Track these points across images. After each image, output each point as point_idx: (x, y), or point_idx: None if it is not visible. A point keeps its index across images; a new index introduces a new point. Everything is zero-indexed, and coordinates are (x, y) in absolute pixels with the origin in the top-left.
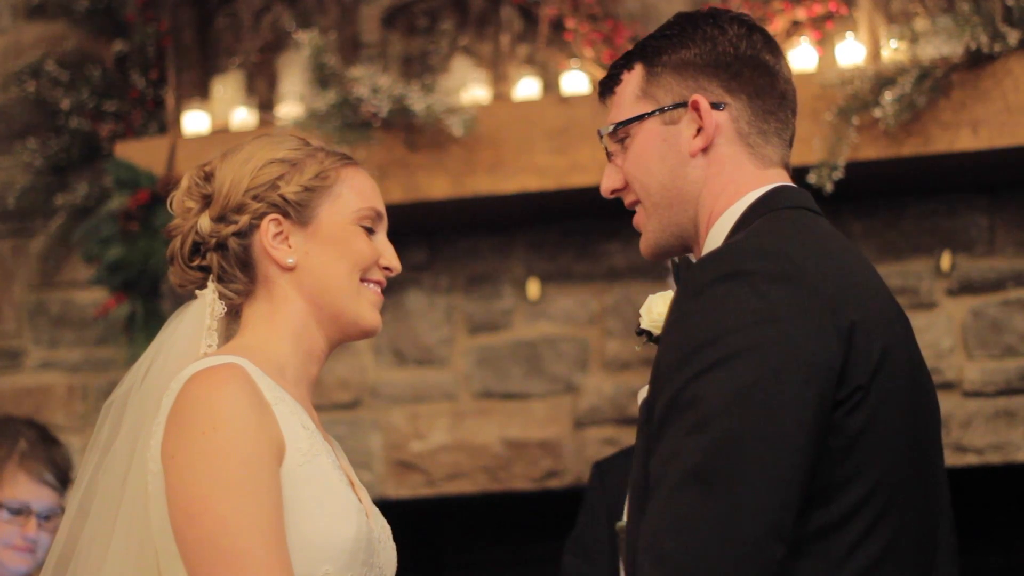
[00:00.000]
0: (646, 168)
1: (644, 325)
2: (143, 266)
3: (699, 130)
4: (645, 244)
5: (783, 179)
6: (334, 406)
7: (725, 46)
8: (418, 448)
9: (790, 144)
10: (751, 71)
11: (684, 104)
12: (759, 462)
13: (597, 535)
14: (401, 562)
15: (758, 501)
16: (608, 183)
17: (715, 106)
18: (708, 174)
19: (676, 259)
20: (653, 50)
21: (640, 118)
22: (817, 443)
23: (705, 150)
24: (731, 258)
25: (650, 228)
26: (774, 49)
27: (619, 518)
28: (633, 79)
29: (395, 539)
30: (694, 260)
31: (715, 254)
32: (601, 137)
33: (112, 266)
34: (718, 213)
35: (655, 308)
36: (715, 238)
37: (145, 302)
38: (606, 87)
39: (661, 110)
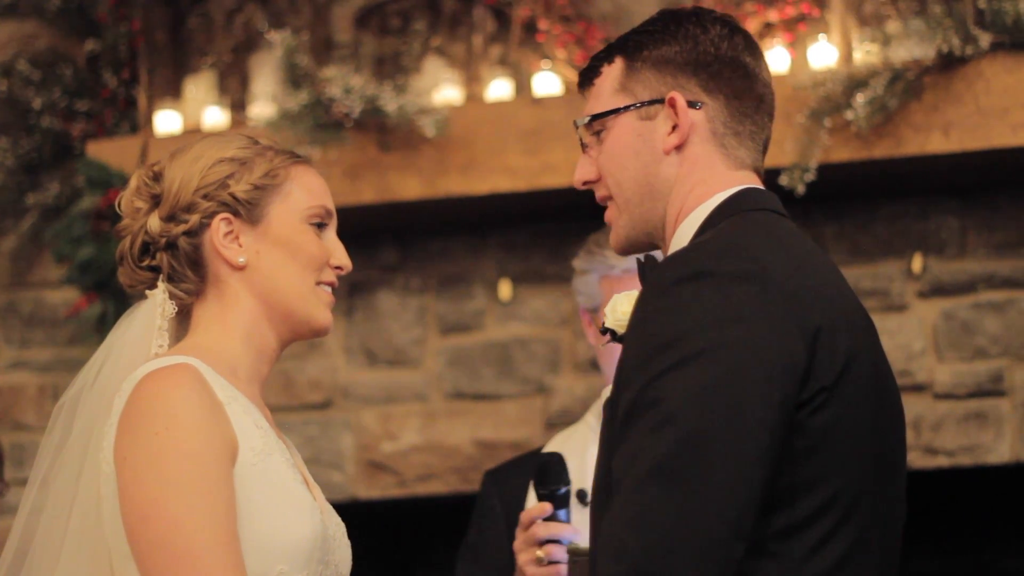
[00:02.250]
0: (620, 162)
1: (608, 324)
2: (114, 266)
3: (674, 127)
4: (615, 239)
5: (753, 182)
6: (305, 407)
7: (706, 45)
8: (389, 449)
9: (764, 148)
10: (730, 72)
11: (661, 100)
12: (721, 460)
13: (497, 543)
14: (372, 563)
15: (719, 499)
16: (581, 174)
17: (692, 104)
18: (680, 172)
19: (642, 258)
20: (634, 44)
21: (616, 111)
22: (780, 443)
23: (679, 148)
24: (696, 258)
25: (621, 223)
26: (755, 52)
27: (515, 527)
28: (612, 72)
29: (366, 540)
30: (660, 259)
31: (680, 254)
32: (577, 127)
33: (83, 266)
34: (686, 212)
35: (620, 307)
36: (681, 237)
37: (116, 302)
38: (585, 78)
39: (637, 105)
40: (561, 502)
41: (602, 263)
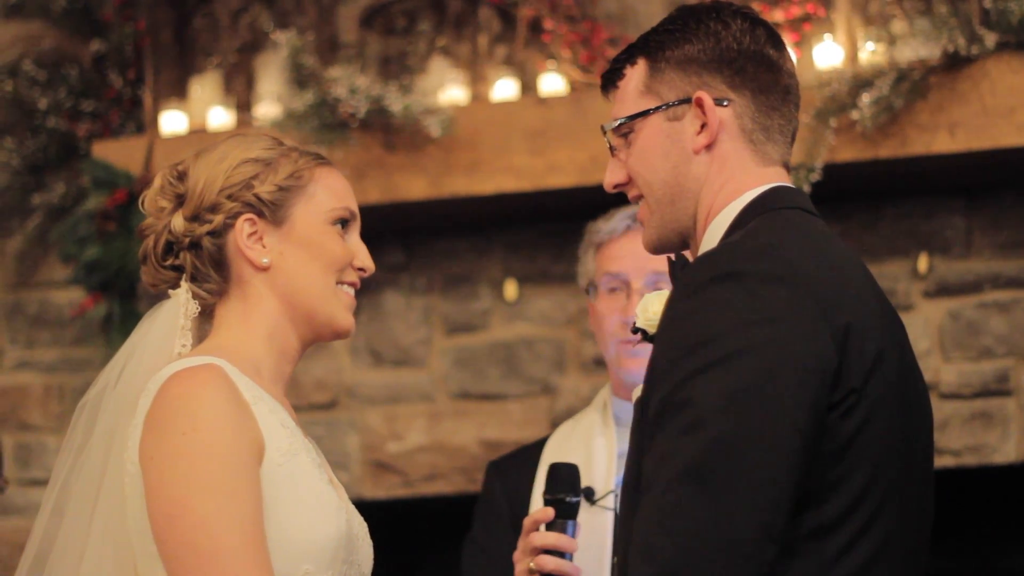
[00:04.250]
0: (650, 164)
1: (639, 324)
2: (120, 266)
3: (703, 127)
4: (647, 239)
5: (782, 178)
6: (311, 407)
7: (729, 41)
8: (395, 449)
9: (792, 139)
10: (755, 67)
11: (688, 100)
12: (753, 463)
13: (501, 537)
14: (377, 563)
15: (751, 501)
16: (611, 178)
17: (719, 102)
18: (710, 171)
19: (672, 257)
20: (656, 45)
21: (644, 114)
22: (811, 445)
23: (709, 147)
24: (727, 259)
25: (652, 224)
26: (777, 43)
27: (522, 518)
28: (636, 74)
29: (372, 540)
30: (690, 258)
31: (711, 254)
32: (604, 132)
33: (89, 266)
34: (716, 210)
35: (651, 307)
36: (712, 235)
37: (122, 302)
38: (608, 81)
39: (665, 106)
40: (568, 512)
41: (594, 235)
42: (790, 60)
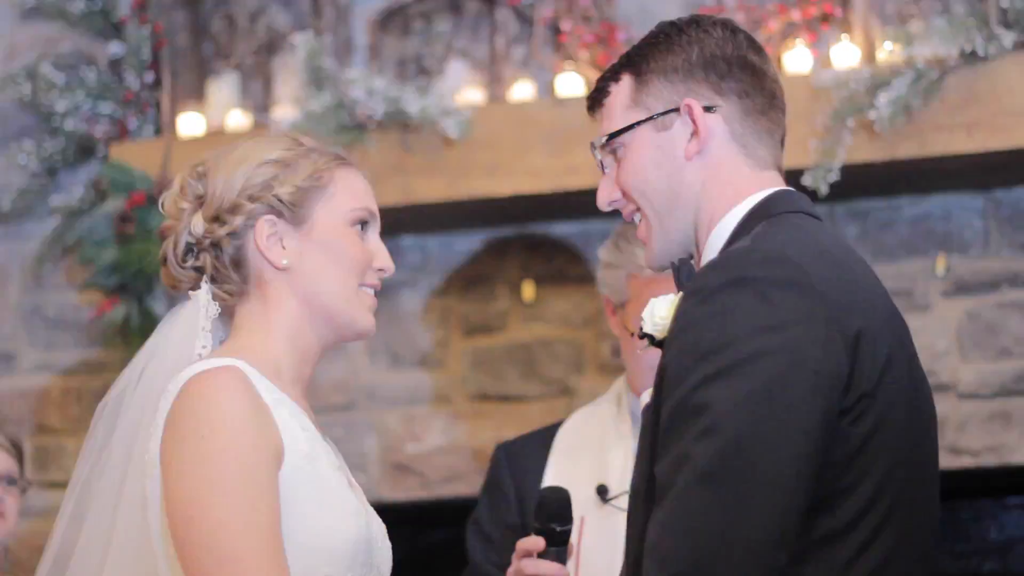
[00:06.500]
0: (643, 176)
1: (647, 329)
2: (138, 268)
3: (693, 133)
4: (650, 255)
5: (778, 182)
6: (329, 408)
7: (711, 48)
8: (413, 450)
9: (782, 144)
10: (739, 71)
11: (676, 109)
12: (765, 469)
13: (505, 519)
14: (396, 565)
15: (763, 507)
16: (604, 195)
17: (707, 108)
18: (705, 177)
19: (675, 262)
20: (639, 59)
21: (632, 127)
22: (822, 450)
23: (700, 153)
24: (738, 264)
25: (654, 238)
26: (759, 50)
27: (529, 504)
28: (621, 90)
29: (390, 542)
30: (694, 264)
31: (721, 260)
32: (594, 149)
33: (107, 268)
34: (718, 217)
35: (657, 311)
36: (715, 243)
37: (140, 304)
38: (594, 101)
39: (652, 117)
40: (558, 540)
41: (631, 261)
42: (773, 66)
